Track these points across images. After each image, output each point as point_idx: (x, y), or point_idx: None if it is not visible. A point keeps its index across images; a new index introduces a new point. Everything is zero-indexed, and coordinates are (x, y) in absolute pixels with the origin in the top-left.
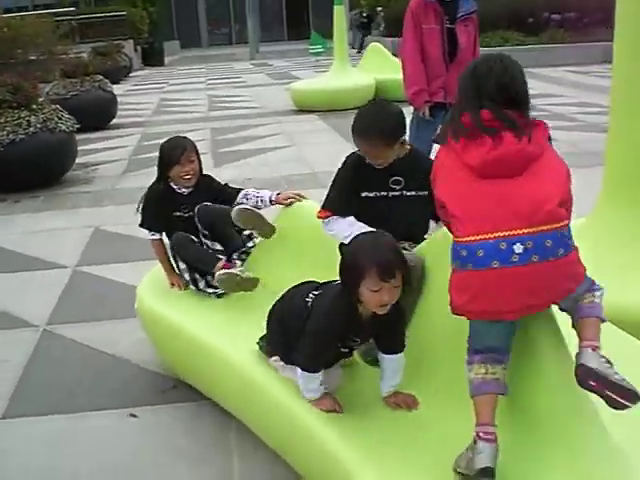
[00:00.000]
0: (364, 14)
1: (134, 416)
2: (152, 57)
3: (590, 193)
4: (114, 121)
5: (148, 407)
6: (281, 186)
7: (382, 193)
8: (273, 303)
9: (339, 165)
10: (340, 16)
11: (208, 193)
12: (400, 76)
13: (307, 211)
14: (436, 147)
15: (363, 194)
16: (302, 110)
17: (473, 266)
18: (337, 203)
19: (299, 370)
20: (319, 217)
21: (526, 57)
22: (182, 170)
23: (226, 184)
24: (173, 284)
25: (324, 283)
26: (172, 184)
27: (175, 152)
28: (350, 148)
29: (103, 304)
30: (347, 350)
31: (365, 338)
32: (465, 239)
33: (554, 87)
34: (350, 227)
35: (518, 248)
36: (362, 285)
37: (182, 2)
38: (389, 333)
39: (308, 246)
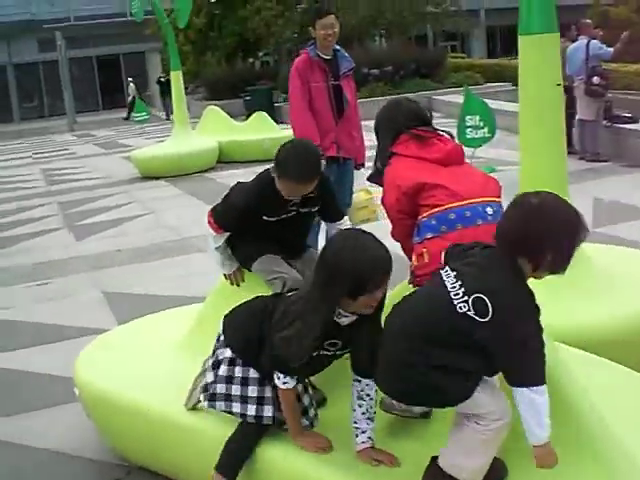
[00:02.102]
0: (162, 78)
1: None
2: None
3: None
4: None
5: None
6: (156, 255)
7: (282, 216)
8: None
9: (207, 229)
10: (177, 81)
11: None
12: (240, 138)
13: None
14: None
15: (265, 218)
16: (147, 177)
17: (463, 225)
18: (232, 227)
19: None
20: (210, 226)
21: None
22: None
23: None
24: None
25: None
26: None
27: None
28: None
29: (12, 396)
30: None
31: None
32: (455, 204)
33: None
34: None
35: (490, 210)
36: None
37: None
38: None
39: None
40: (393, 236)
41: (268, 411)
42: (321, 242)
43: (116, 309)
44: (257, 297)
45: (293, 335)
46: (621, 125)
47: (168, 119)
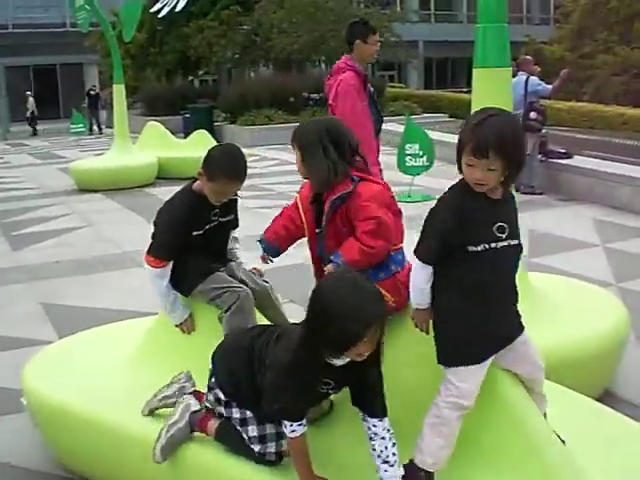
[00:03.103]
0: (91, 91)
1: None
2: None
3: None
4: None
5: None
6: (97, 267)
7: (206, 227)
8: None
9: (144, 243)
10: (120, 94)
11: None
12: (180, 154)
13: None
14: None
15: (194, 233)
16: (84, 190)
17: (402, 267)
18: (171, 254)
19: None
20: (153, 266)
21: (290, 135)
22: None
23: None
24: None
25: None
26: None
27: None
28: (150, 227)
29: None
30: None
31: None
32: (399, 246)
33: None
34: (169, 296)
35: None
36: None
37: None
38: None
39: None
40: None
41: (271, 448)
42: None
43: (56, 321)
44: (241, 331)
45: (288, 404)
46: (556, 160)
47: (100, 132)
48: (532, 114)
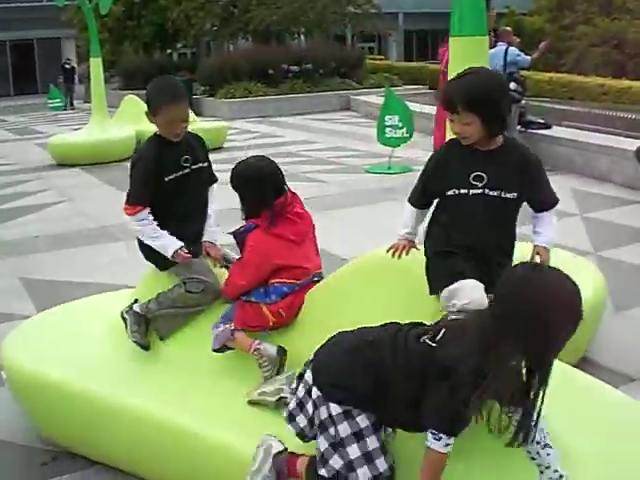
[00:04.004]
0: (66, 65)
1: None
2: None
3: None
4: None
5: None
6: (75, 242)
7: (179, 173)
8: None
9: (123, 217)
10: (97, 68)
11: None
12: None
13: None
14: None
15: (166, 178)
16: (63, 164)
17: (282, 298)
18: (145, 197)
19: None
20: (130, 214)
21: (269, 107)
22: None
23: None
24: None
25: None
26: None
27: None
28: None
29: None
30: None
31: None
32: (302, 279)
33: (304, 134)
34: (155, 233)
35: (316, 278)
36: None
37: None
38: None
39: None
40: (238, 289)
41: (382, 464)
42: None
43: (35, 296)
44: (346, 335)
45: (462, 414)
46: (535, 130)
47: (72, 107)
48: (512, 85)
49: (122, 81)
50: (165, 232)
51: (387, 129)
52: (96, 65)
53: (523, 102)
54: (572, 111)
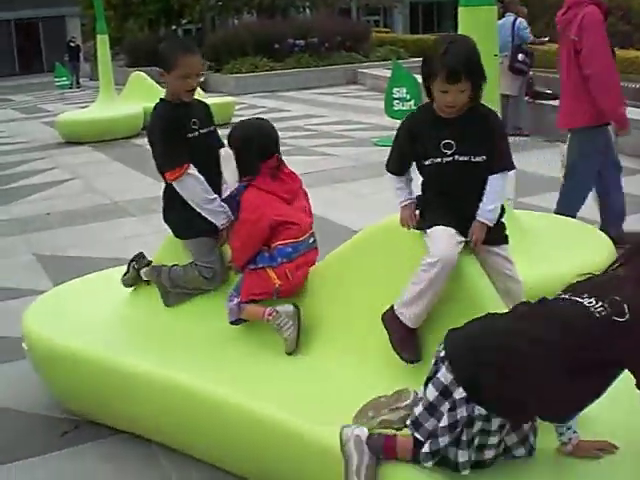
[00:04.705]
0: (71, 43)
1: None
2: None
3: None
4: None
5: (50, 454)
6: (87, 218)
7: (194, 135)
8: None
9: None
10: (103, 45)
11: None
12: None
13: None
14: None
15: (189, 135)
16: (71, 142)
17: (303, 251)
18: (184, 153)
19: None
20: (177, 177)
21: (275, 82)
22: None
23: None
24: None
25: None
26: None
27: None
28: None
29: None
30: None
31: None
32: (301, 238)
33: (311, 108)
34: (209, 195)
35: (311, 239)
36: None
37: None
38: None
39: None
40: (239, 254)
41: (490, 454)
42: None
43: (51, 271)
44: (490, 317)
45: None
46: (542, 101)
47: (78, 85)
48: (520, 56)
49: (128, 58)
50: (217, 198)
51: (395, 101)
52: (102, 42)
53: (531, 73)
54: None
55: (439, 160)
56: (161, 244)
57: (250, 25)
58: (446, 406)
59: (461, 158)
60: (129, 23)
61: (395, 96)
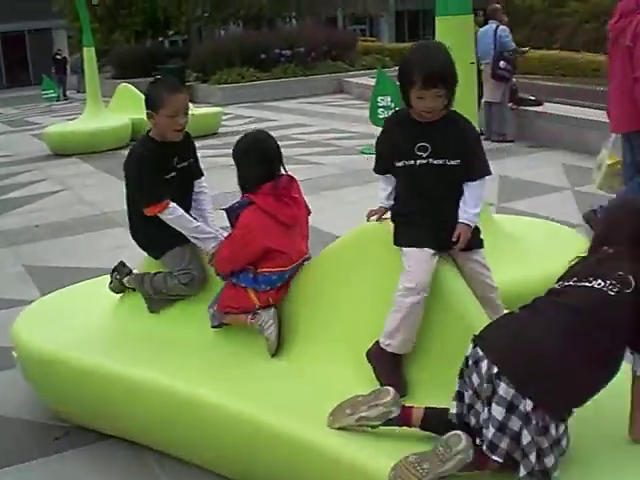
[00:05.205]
0: (57, 55)
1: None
2: None
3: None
4: None
5: (42, 459)
6: (76, 229)
7: (170, 175)
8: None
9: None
10: (90, 58)
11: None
12: None
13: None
14: None
15: (166, 177)
16: (59, 154)
17: (272, 287)
18: (163, 190)
19: None
20: (161, 211)
21: (262, 92)
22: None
23: None
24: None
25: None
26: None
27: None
28: (123, 189)
29: None
30: None
31: None
32: (289, 267)
33: (298, 117)
34: (192, 224)
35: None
36: None
37: None
38: None
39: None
40: (224, 264)
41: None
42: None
43: (39, 282)
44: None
45: None
46: (526, 107)
47: (65, 98)
48: (501, 63)
49: (114, 70)
50: (200, 223)
51: (379, 109)
52: (89, 54)
53: (514, 80)
54: (563, 88)
55: (412, 162)
56: (141, 262)
57: (237, 36)
58: (517, 422)
59: (436, 161)
60: (115, 35)
61: (380, 104)
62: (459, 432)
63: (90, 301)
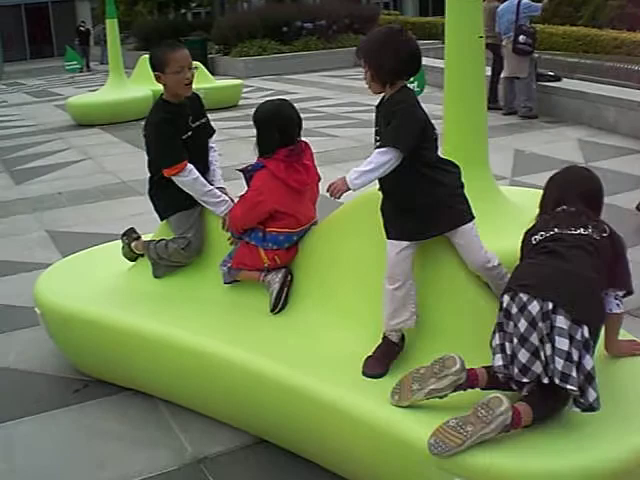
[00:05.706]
0: (81, 27)
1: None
2: None
3: None
4: None
5: (64, 409)
6: (97, 197)
7: (187, 135)
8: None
9: (146, 173)
10: (113, 29)
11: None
12: None
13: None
14: None
15: (183, 137)
16: (82, 125)
17: (279, 247)
18: (181, 152)
19: None
20: (177, 173)
21: (283, 64)
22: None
23: None
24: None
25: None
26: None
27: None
28: (143, 158)
29: None
30: None
31: None
32: (297, 229)
33: (319, 90)
34: (206, 187)
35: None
36: None
37: None
38: None
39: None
40: (236, 223)
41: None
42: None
43: (62, 246)
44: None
45: None
46: (545, 83)
47: (88, 69)
48: (521, 37)
49: (137, 42)
50: (213, 187)
51: None
52: (112, 26)
53: (535, 55)
54: (584, 64)
55: (374, 144)
56: (157, 228)
57: (259, 8)
58: (576, 352)
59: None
60: (138, 7)
61: None
62: (499, 394)
63: (107, 262)
